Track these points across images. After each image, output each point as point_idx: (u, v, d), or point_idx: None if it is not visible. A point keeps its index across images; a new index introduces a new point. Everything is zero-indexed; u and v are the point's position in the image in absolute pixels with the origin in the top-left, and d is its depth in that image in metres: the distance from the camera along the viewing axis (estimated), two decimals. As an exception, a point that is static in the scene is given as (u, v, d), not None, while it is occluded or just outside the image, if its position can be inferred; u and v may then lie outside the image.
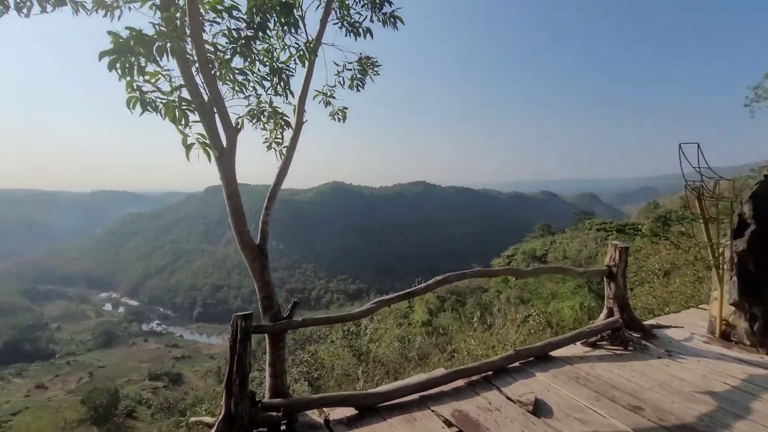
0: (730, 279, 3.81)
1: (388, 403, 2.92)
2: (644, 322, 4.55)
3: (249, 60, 3.02)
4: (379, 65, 3.63)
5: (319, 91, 3.70)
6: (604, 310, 4.11)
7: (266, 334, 2.88)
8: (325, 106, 3.72)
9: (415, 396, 3.03)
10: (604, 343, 3.96)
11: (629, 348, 3.85)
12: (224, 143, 2.74)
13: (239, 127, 2.80)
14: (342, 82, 3.71)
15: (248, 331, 2.67)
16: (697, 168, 3.38)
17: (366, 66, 3.66)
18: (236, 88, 3.04)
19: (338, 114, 3.77)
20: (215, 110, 2.67)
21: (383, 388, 3.04)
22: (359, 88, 3.63)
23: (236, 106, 3.10)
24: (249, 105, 3.17)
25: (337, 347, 14.27)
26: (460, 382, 3.23)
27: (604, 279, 4.11)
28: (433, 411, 2.86)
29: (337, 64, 3.68)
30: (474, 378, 3.29)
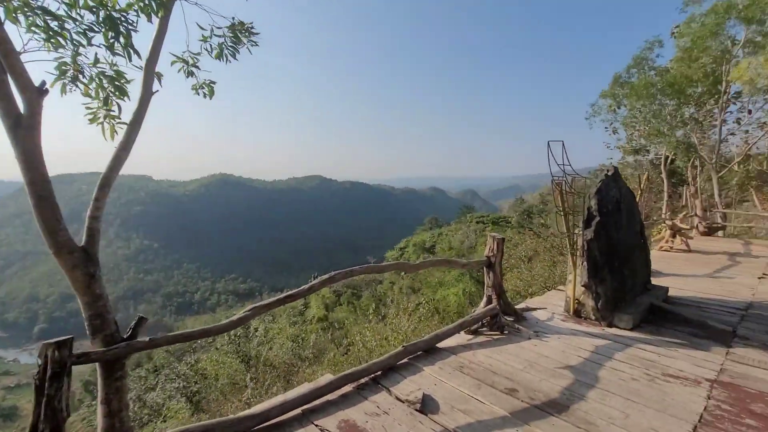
0: (582, 264, 4.38)
1: (264, 425, 2.53)
2: (516, 306, 5.00)
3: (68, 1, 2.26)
4: (257, 33, 3.13)
5: (178, 57, 3.04)
6: (484, 298, 4.35)
7: (97, 363, 2.21)
8: (186, 77, 3.07)
9: (298, 411, 2.69)
10: (485, 329, 4.19)
11: (505, 332, 4.14)
12: (21, 110, 1.98)
13: (45, 88, 2.05)
14: (209, 50, 3.12)
15: (65, 363, 2.00)
16: (561, 165, 3.78)
17: (240, 34, 3.13)
18: (47, 38, 2.25)
19: (203, 88, 3.15)
20: (3, 64, 1.90)
21: (258, 407, 2.63)
22: (230, 58, 3.07)
23: (42, 62, 2.29)
24: (61, 58, 2.36)
25: (223, 354, 13.00)
26: (348, 388, 3.00)
27: (484, 269, 4.35)
28: (317, 426, 2.57)
29: (202, 28, 3.07)
30: (363, 381, 3.11)
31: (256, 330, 14.39)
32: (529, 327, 4.32)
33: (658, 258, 8.64)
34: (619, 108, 21.31)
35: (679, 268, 7.61)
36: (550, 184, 4.46)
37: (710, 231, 12.46)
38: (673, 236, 9.46)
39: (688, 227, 9.46)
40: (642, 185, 7.87)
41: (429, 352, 3.62)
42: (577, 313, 4.73)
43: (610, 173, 4.92)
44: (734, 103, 18.53)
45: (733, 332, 4.22)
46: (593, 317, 4.50)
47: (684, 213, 11.43)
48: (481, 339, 3.99)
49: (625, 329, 4.27)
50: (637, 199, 6.33)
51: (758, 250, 9.67)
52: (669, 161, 23.21)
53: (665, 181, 23.00)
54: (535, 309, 4.92)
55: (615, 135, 22.90)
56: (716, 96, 17.77)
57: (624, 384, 3.10)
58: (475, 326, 4.09)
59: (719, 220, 13.79)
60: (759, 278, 6.82)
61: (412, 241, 59.77)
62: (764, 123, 18.61)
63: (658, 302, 4.87)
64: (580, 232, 4.44)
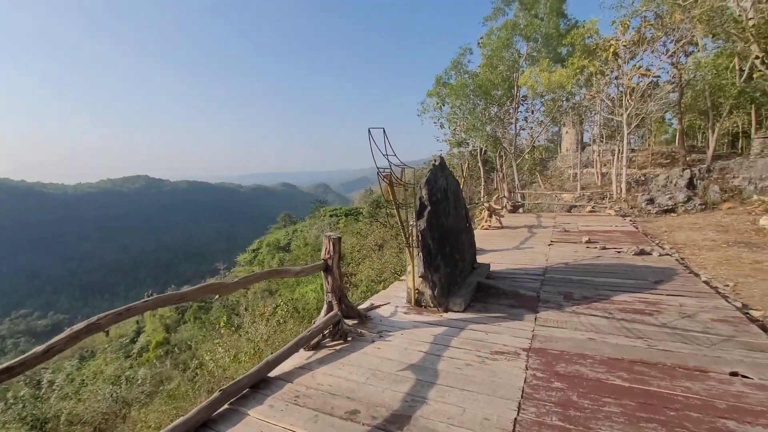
0: (417, 254, 4.39)
1: None
2: (360, 306, 4.76)
3: None
4: None
5: None
6: (324, 306, 3.93)
7: None
8: None
9: None
10: (327, 340, 3.77)
11: (349, 339, 3.80)
12: None
13: None
14: None
15: None
16: (385, 154, 3.60)
17: None
18: None
19: None
20: None
21: None
22: None
23: None
24: None
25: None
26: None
27: (322, 273, 3.92)
28: None
29: None
30: (159, 456, 2.27)
31: (52, 383, 10.98)
32: (374, 327, 4.11)
33: (480, 237, 9.90)
34: (444, 106, 24.12)
35: (496, 244, 8.82)
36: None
37: (515, 209, 15.18)
38: (490, 216, 11.06)
39: (499, 207, 11.17)
40: (464, 173, 8.84)
41: (258, 386, 2.97)
42: (418, 303, 4.78)
43: (437, 163, 5.10)
44: (522, 104, 23.13)
45: (538, 297, 4.90)
46: (432, 304, 4.60)
47: (496, 195, 13.53)
48: (323, 353, 3.55)
49: (459, 312, 4.48)
50: (461, 186, 6.92)
51: (546, 221, 12.15)
52: (483, 152, 27.65)
53: (481, 168, 27.26)
54: (379, 306, 4.78)
55: (442, 129, 25.95)
56: (512, 98, 21.79)
57: (460, 373, 3.10)
58: (316, 340, 3.63)
59: (520, 199, 17.01)
60: (549, 245, 8.42)
61: (266, 240, 56.62)
62: (541, 121, 23.80)
63: (483, 279, 5.35)
64: (414, 223, 4.44)
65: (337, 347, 3.65)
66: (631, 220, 12.06)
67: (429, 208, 4.48)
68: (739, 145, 28.28)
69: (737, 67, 18.91)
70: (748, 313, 4.34)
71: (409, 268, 4.70)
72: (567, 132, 29.67)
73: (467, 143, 26.68)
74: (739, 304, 4.64)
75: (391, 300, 5.06)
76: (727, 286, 5.49)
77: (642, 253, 7.06)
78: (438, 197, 4.79)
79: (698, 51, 19.54)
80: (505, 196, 15.17)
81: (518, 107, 21.63)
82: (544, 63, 17.55)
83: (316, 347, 3.63)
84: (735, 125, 28.00)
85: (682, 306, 4.37)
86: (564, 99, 19.37)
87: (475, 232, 10.89)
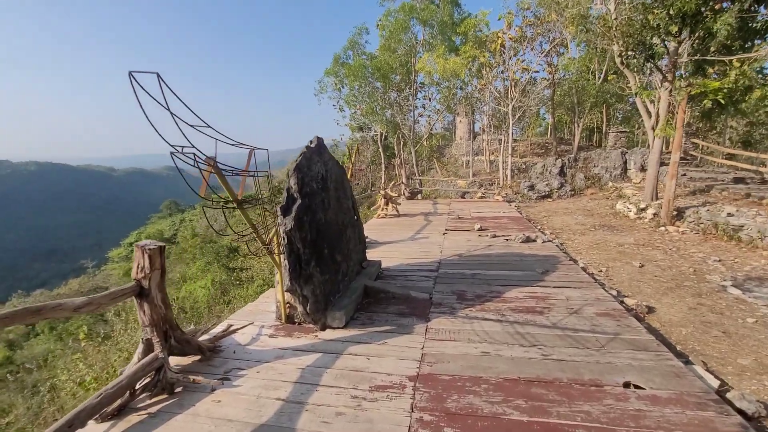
0: (284, 262, 3.42)
1: None
2: (213, 330, 3.63)
3: None
4: None
5: None
6: (140, 346, 2.73)
7: None
8: None
9: None
10: (144, 396, 2.61)
11: (177, 390, 2.69)
12: None
13: None
14: None
15: None
16: (197, 126, 2.45)
17: None
18: None
19: None
20: None
21: None
22: None
23: None
24: None
25: None
26: None
27: (135, 300, 2.70)
28: None
29: None
30: None
31: None
32: (221, 365, 3.05)
33: (375, 226, 9.32)
34: (343, 87, 23.03)
35: (391, 234, 8.29)
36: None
37: (413, 195, 15.08)
38: (387, 204, 10.56)
39: (396, 195, 10.74)
40: (353, 158, 8.07)
41: None
42: (290, 319, 3.84)
43: (312, 145, 4.14)
44: (420, 91, 23.32)
45: (430, 299, 4.36)
46: (306, 321, 3.70)
47: (393, 182, 13.14)
48: (128, 422, 2.39)
49: (339, 328, 3.67)
50: (349, 174, 6.11)
51: (441, 208, 12.17)
52: (383, 137, 27.45)
53: (382, 154, 27.04)
54: (240, 328, 3.71)
55: (342, 113, 24.89)
56: (410, 84, 21.71)
57: (328, 428, 2.28)
58: (118, 403, 2.44)
59: (418, 186, 17.05)
60: (443, 234, 8.19)
61: (146, 232, 49.41)
62: (438, 110, 24.37)
63: (371, 282, 4.64)
64: (279, 222, 3.44)
65: (155, 408, 2.52)
66: (516, 206, 12.80)
67: (299, 201, 3.52)
68: (594, 139, 33.22)
69: (596, 70, 21.69)
70: (623, 302, 4.40)
71: (277, 277, 3.71)
72: (461, 121, 31.24)
73: (369, 128, 26.18)
74: (614, 293, 4.74)
75: (258, 317, 4.02)
76: (601, 271, 5.73)
77: (528, 240, 7.18)
78: (313, 188, 3.86)
79: (567, 53, 21.91)
80: (403, 183, 14.96)
81: (416, 93, 21.72)
82: (440, 49, 17.72)
83: (119, 413, 2.45)
84: (592, 121, 32.80)
85: (569, 300, 4.23)
86: (458, 88, 19.99)
87: (371, 221, 10.31)
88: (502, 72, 18.57)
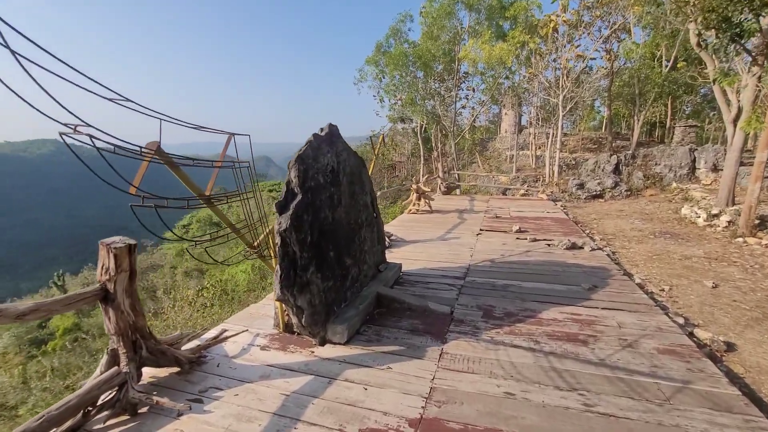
0: (276, 267, 2.98)
1: None
2: (205, 335, 3.29)
3: None
4: None
5: None
6: (104, 357, 2.41)
7: None
8: None
9: None
10: (103, 416, 2.28)
11: (139, 411, 2.35)
12: None
13: None
14: None
15: None
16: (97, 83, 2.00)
17: None
18: None
19: None
20: None
21: None
22: None
23: None
24: None
25: None
26: None
27: (101, 305, 2.37)
28: None
29: None
30: None
31: None
32: (200, 380, 2.68)
33: (404, 223, 8.77)
34: (384, 78, 22.42)
35: (420, 232, 7.71)
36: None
37: (449, 190, 14.33)
38: (419, 199, 9.95)
39: (428, 189, 10.10)
40: (377, 149, 7.51)
41: None
42: (289, 328, 3.43)
43: (323, 132, 3.66)
44: (465, 81, 22.22)
45: (451, 314, 3.78)
46: (304, 333, 3.27)
47: (427, 176, 12.48)
48: (77, 448, 2.07)
49: (340, 344, 3.20)
50: (371, 167, 5.60)
51: (479, 205, 11.38)
52: (423, 129, 26.64)
53: (421, 147, 26.27)
54: (232, 335, 3.35)
55: (381, 103, 24.34)
56: (453, 74, 20.71)
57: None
58: (71, 423, 2.13)
59: (456, 180, 16.22)
60: (477, 234, 7.49)
61: (197, 216, 52.19)
62: (483, 101, 23.14)
63: (386, 289, 4.13)
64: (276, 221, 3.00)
65: (121, 429, 2.18)
66: (562, 206, 11.70)
67: (299, 197, 3.06)
68: (656, 134, 30.26)
69: (663, 58, 19.48)
70: (693, 335, 3.57)
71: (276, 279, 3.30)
72: (506, 113, 29.65)
73: (411, 119, 25.46)
74: (681, 320, 3.89)
75: (256, 322, 3.65)
76: (663, 291, 4.82)
77: (573, 247, 6.32)
78: (320, 181, 3.38)
79: (630, 39, 19.82)
80: (439, 177, 14.22)
81: (459, 83, 20.65)
82: (486, 34, 16.58)
83: (71, 436, 2.13)
84: (654, 115, 29.86)
85: (621, 327, 3.47)
86: (504, 77, 18.70)
87: (402, 216, 9.76)
88: (554, 60, 17.11)
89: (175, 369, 2.78)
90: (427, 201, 10.02)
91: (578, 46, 15.09)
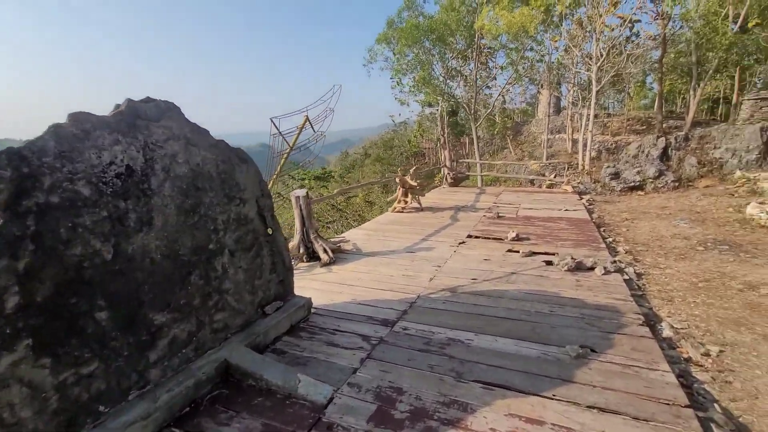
0: None
1: None
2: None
3: None
4: None
5: None
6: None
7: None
8: None
9: None
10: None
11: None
12: None
13: None
14: None
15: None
16: None
17: None
18: None
19: None
20: None
21: None
22: None
23: None
24: None
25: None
26: None
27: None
28: None
29: None
30: None
31: None
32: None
33: (378, 225, 7.28)
34: (396, 55, 20.56)
35: (388, 240, 6.18)
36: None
37: (456, 181, 12.55)
38: (405, 195, 8.37)
39: (416, 183, 8.46)
40: (297, 136, 5.95)
41: None
42: None
43: (112, 113, 2.25)
44: (491, 60, 19.88)
45: (324, 407, 2.30)
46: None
47: (416, 167, 10.79)
48: None
49: (81, 481, 1.84)
50: (286, 155, 4.12)
51: (485, 200, 9.60)
52: (452, 112, 24.51)
53: (443, 131, 24.25)
54: None
55: (400, 86, 22.48)
56: (474, 49, 18.49)
57: None
58: None
59: (465, 171, 14.34)
60: (459, 244, 5.85)
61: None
62: (514, 79, 20.68)
63: (242, 355, 2.70)
64: None
65: None
66: (588, 201, 9.64)
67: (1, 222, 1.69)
68: (719, 112, 26.14)
69: (730, 16, 16.15)
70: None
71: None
72: (541, 93, 26.79)
73: (438, 103, 23.47)
74: (735, 441, 2.17)
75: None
76: (707, 356, 3.03)
77: (579, 267, 4.56)
78: (79, 194, 1.99)
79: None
80: (446, 166, 12.47)
81: (480, 60, 18.39)
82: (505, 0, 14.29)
83: None
84: (716, 89, 25.71)
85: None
86: (529, 48, 16.28)
87: (379, 217, 8.21)
88: (586, 28, 14.45)
89: None
90: (415, 197, 8.40)
91: (617, 3, 12.45)
